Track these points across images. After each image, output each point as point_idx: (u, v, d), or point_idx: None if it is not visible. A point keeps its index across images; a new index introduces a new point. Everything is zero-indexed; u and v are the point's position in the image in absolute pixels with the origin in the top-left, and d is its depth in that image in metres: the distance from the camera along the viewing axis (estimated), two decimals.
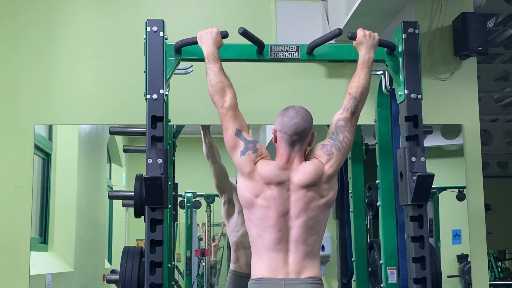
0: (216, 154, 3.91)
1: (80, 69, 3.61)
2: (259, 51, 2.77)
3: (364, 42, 2.61)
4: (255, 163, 2.43)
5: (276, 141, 2.51)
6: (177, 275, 3.99)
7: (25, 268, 3.36)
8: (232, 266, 3.95)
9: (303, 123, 2.45)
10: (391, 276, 2.99)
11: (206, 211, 4.35)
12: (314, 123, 2.52)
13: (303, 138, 2.46)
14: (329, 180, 2.45)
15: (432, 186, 2.56)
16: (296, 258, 2.38)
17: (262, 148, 2.48)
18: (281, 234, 2.39)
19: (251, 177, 2.42)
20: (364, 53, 2.60)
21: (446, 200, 4.05)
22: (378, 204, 3.08)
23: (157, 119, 2.57)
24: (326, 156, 2.46)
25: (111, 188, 4.36)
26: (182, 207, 4.19)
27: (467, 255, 3.70)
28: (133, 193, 2.65)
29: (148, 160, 2.52)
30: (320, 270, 2.47)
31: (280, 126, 2.48)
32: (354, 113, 2.52)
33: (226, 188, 3.96)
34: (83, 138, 4.00)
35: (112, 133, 3.40)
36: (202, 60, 2.60)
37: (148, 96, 2.59)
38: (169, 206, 2.85)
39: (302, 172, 2.43)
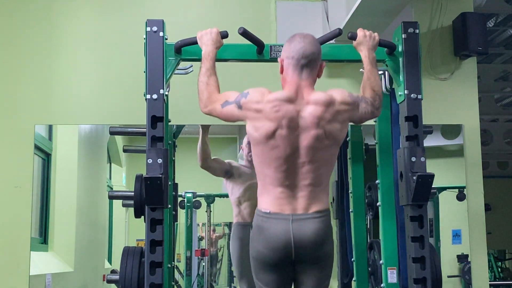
0: (209, 152, 3.94)
1: (80, 69, 3.61)
2: (259, 51, 2.77)
3: (365, 43, 2.61)
4: (259, 102, 2.36)
5: (282, 71, 2.45)
6: (177, 275, 3.99)
7: (25, 268, 3.36)
8: (234, 220, 3.99)
9: (311, 46, 2.39)
10: (391, 276, 2.99)
11: (206, 211, 4.35)
12: None
13: (312, 62, 2.39)
14: (340, 121, 2.39)
15: (432, 186, 2.56)
16: (303, 194, 2.35)
17: (254, 89, 2.42)
18: (290, 171, 2.35)
19: (259, 116, 2.35)
20: (366, 53, 2.59)
21: (446, 200, 4.05)
22: (378, 204, 3.08)
23: (157, 119, 2.57)
24: (349, 97, 2.42)
25: (111, 188, 4.36)
26: (182, 207, 4.19)
27: (467, 255, 3.70)
28: (133, 193, 2.65)
29: (148, 160, 2.52)
30: (328, 202, 2.42)
31: (287, 53, 2.42)
32: (377, 109, 2.52)
33: (225, 167, 4.02)
34: (83, 138, 4.00)
35: (112, 133, 3.40)
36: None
37: (148, 96, 2.59)
38: (169, 206, 2.85)
39: (313, 103, 2.35)
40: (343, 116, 2.40)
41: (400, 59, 2.73)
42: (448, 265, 4.09)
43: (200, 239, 4.41)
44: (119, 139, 4.25)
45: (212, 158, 3.96)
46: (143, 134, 2.60)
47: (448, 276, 4.03)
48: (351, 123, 2.51)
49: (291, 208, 2.35)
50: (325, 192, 2.42)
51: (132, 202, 2.66)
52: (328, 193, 2.44)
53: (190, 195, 4.22)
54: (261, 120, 2.35)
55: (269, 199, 2.37)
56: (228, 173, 4.01)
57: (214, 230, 4.46)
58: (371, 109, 2.49)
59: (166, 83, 2.64)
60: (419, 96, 2.67)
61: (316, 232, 2.33)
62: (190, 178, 4.12)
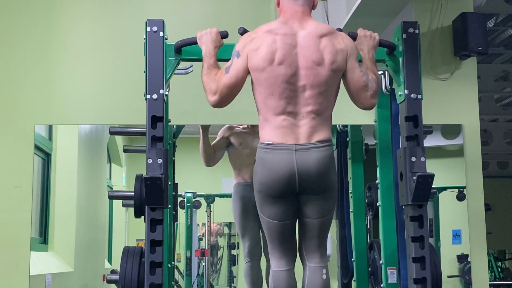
0: (212, 152, 3.94)
1: (80, 69, 3.61)
2: None
3: (365, 42, 2.61)
4: (250, 35, 2.40)
5: (278, 4, 2.48)
6: (177, 275, 3.99)
7: (25, 268, 3.36)
8: (235, 181, 3.98)
9: None
10: (391, 276, 2.99)
11: (206, 211, 4.35)
12: None
13: None
14: (338, 50, 2.39)
15: (432, 186, 2.56)
16: (305, 122, 2.36)
17: (243, 37, 2.44)
18: (290, 98, 2.36)
19: (255, 42, 2.37)
20: (366, 54, 2.60)
21: (446, 200, 4.05)
22: (378, 204, 3.08)
23: (157, 119, 2.57)
24: (351, 43, 2.44)
25: (111, 188, 4.36)
26: (182, 207, 4.19)
27: (467, 255, 3.70)
28: (133, 193, 2.65)
29: (148, 160, 2.52)
30: (331, 134, 2.43)
31: None
32: (372, 95, 2.48)
33: (224, 145, 4.01)
34: (83, 138, 4.00)
35: (112, 133, 3.40)
36: (202, 60, 2.60)
37: (148, 96, 2.59)
38: (169, 206, 2.85)
39: (312, 25, 2.39)
40: (341, 44, 2.41)
41: (400, 59, 2.73)
42: (448, 265, 4.09)
43: (200, 239, 4.41)
44: (119, 139, 4.25)
45: (213, 145, 3.95)
46: (143, 134, 2.60)
47: (448, 276, 4.04)
48: (343, 80, 2.46)
49: (293, 138, 2.36)
50: (328, 123, 2.42)
51: (132, 202, 2.66)
52: (331, 125, 2.45)
53: (190, 195, 4.23)
54: (259, 45, 2.37)
55: (271, 130, 2.38)
56: (228, 144, 4.00)
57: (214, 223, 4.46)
58: (366, 81, 2.44)
59: (166, 83, 2.64)
60: (419, 96, 2.67)
61: (320, 161, 2.34)
62: (190, 178, 4.12)
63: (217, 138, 3.99)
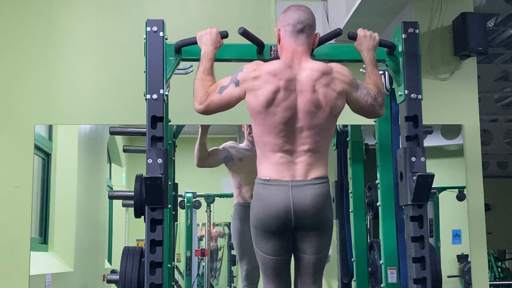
0: (206, 154, 3.94)
1: (80, 69, 3.61)
2: (259, 51, 2.77)
3: (365, 43, 2.61)
4: (255, 70, 2.40)
5: (279, 41, 2.50)
6: (177, 275, 3.99)
7: (25, 268, 3.36)
8: (235, 201, 3.98)
9: (305, 14, 2.46)
10: (391, 276, 2.99)
11: (206, 211, 4.35)
12: None
13: (308, 28, 2.45)
14: (336, 87, 2.41)
15: (432, 186, 2.56)
16: (302, 159, 2.38)
17: (247, 66, 2.44)
18: (288, 137, 2.37)
19: (257, 83, 2.38)
20: (367, 54, 2.60)
21: (446, 200, 4.05)
22: (378, 204, 3.08)
23: (157, 119, 2.57)
24: (349, 73, 2.45)
25: (111, 188, 4.36)
26: (182, 207, 4.19)
27: (467, 255, 3.70)
28: (133, 193, 2.65)
29: (148, 160, 2.52)
30: (327, 170, 2.45)
31: (283, 21, 2.48)
32: (380, 107, 2.52)
33: (222, 156, 4.00)
34: (83, 138, 4.00)
35: (112, 133, 3.40)
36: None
37: (148, 96, 2.59)
38: (169, 206, 2.85)
39: (309, 69, 2.40)
40: (339, 86, 2.42)
41: (400, 59, 2.73)
42: (448, 265, 4.09)
43: (200, 239, 4.41)
44: (119, 139, 4.25)
45: (209, 151, 3.96)
46: (143, 134, 2.60)
47: (448, 276, 4.03)
48: (349, 106, 2.48)
49: (290, 174, 2.37)
50: (324, 160, 2.44)
51: (132, 202, 2.66)
52: (327, 162, 2.46)
53: (190, 195, 4.22)
54: (260, 86, 2.38)
55: (268, 166, 2.40)
56: (227, 158, 4.00)
57: (214, 225, 4.45)
58: (371, 101, 2.49)
59: (166, 83, 2.64)
60: (419, 96, 2.67)
61: (315, 198, 2.35)
62: (190, 178, 4.12)
63: (218, 147, 4.01)
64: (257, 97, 2.38)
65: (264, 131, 2.40)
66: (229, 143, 4.04)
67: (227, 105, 2.46)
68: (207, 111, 2.48)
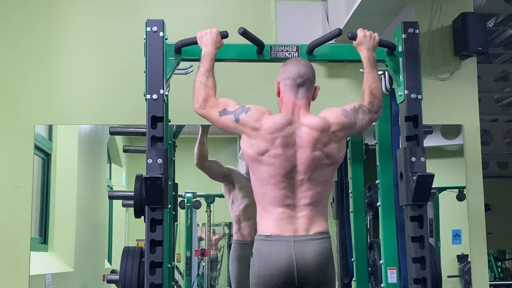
0: (206, 153, 3.92)
1: (80, 69, 3.61)
2: (259, 51, 2.77)
3: (365, 43, 2.61)
4: (257, 120, 2.38)
5: (279, 94, 2.48)
6: (177, 275, 3.99)
7: (25, 268, 3.36)
8: (234, 237, 3.97)
9: (305, 68, 2.45)
10: (391, 276, 2.99)
11: (206, 211, 4.35)
12: None
13: (307, 82, 2.44)
14: (337, 140, 2.42)
15: (432, 186, 2.55)
16: (303, 214, 2.35)
17: (254, 107, 2.42)
18: (288, 190, 2.35)
19: (255, 136, 2.37)
20: (366, 54, 2.59)
21: (446, 200, 4.05)
22: (378, 204, 3.08)
23: (157, 119, 2.57)
24: (344, 117, 2.44)
25: (111, 188, 4.36)
26: (182, 207, 4.19)
27: (467, 255, 3.70)
28: (133, 193, 2.65)
29: (148, 160, 2.52)
30: (327, 224, 2.42)
31: (283, 75, 2.47)
32: (377, 112, 2.53)
33: (224, 171, 3.98)
34: (83, 138, 4.00)
35: (112, 133, 3.40)
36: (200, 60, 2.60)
37: (148, 96, 2.59)
38: (169, 206, 2.85)
39: (308, 125, 2.39)
40: (339, 136, 2.43)
41: (400, 59, 2.73)
42: (448, 265, 4.09)
43: (200, 239, 4.41)
44: (119, 139, 4.25)
45: (211, 160, 3.94)
46: (143, 134, 2.60)
47: (448, 276, 4.03)
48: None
49: (292, 229, 2.34)
50: (324, 213, 2.42)
51: (132, 202, 2.66)
52: (327, 213, 2.45)
53: (190, 195, 4.22)
54: (256, 139, 2.38)
55: (269, 221, 2.36)
56: (227, 179, 3.97)
57: (214, 232, 4.45)
58: (370, 117, 2.50)
59: (166, 83, 2.64)
60: (419, 96, 2.67)
61: (319, 253, 2.32)
62: (190, 178, 4.12)
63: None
64: (251, 147, 2.39)
65: (262, 180, 2.38)
66: (232, 167, 4.02)
67: (221, 128, 2.47)
68: (203, 116, 2.50)
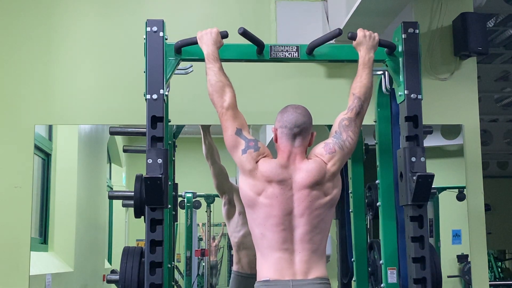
0: (216, 155, 3.91)
1: (80, 69, 3.61)
2: (259, 51, 2.77)
3: (364, 43, 2.61)
4: (257, 162, 2.41)
5: (276, 140, 2.50)
6: (177, 275, 3.99)
7: (25, 268, 3.36)
8: (234, 267, 3.94)
9: (302, 117, 2.47)
10: (391, 276, 2.99)
11: (206, 211, 4.35)
12: (314, 123, 2.53)
13: (304, 131, 2.46)
14: (333, 178, 2.44)
15: (432, 186, 2.55)
16: (302, 257, 2.36)
17: (263, 147, 2.47)
18: (286, 233, 2.36)
19: (253, 176, 2.40)
20: (364, 54, 2.59)
21: (446, 200, 4.05)
22: (378, 204, 3.08)
23: (157, 119, 2.57)
24: (328, 154, 2.45)
25: (111, 188, 4.36)
26: (182, 207, 4.19)
27: (467, 255, 3.70)
28: (133, 193, 2.65)
29: (148, 160, 2.52)
30: (326, 269, 2.43)
31: (280, 122, 2.49)
32: (359, 113, 2.52)
33: (226, 189, 3.96)
34: (83, 138, 4.00)
35: (112, 133, 3.40)
36: (202, 60, 2.60)
37: (148, 96, 2.59)
38: (169, 206, 2.85)
39: (304, 170, 2.41)
40: (334, 172, 2.45)
41: (400, 59, 2.73)
42: (448, 265, 4.08)
43: (200, 239, 4.41)
44: (119, 139, 4.25)
45: (222, 166, 3.90)
46: (143, 134, 2.60)
47: (448, 276, 4.03)
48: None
49: (290, 273, 2.35)
50: (323, 258, 2.43)
51: (132, 202, 2.66)
52: (325, 262, 2.46)
53: (190, 195, 4.22)
54: (255, 179, 2.39)
55: (267, 266, 2.37)
56: (227, 197, 3.93)
57: (213, 238, 4.44)
58: (353, 126, 2.49)
59: (166, 83, 2.64)
60: (419, 96, 2.67)
61: None
62: (190, 178, 4.12)
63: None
64: (250, 189, 2.40)
65: (260, 223, 2.39)
66: (236, 186, 3.93)
67: (226, 143, 2.48)
68: (216, 109, 2.51)
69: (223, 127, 2.48)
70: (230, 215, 3.95)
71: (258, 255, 2.43)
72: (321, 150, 2.47)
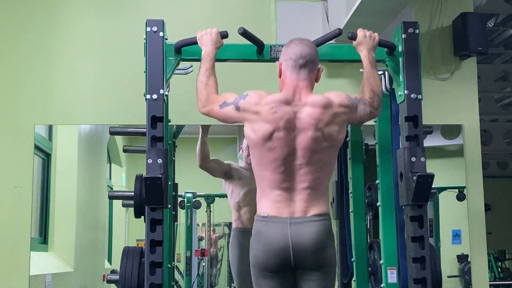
0: (208, 153, 3.92)
1: (80, 69, 3.62)
2: (259, 51, 2.77)
3: (364, 43, 2.61)
4: (257, 104, 2.36)
5: (280, 75, 2.45)
6: (177, 275, 3.99)
7: (25, 268, 3.36)
8: (234, 224, 3.94)
9: (308, 48, 2.42)
10: (391, 276, 2.99)
11: (206, 211, 4.35)
12: None
13: (310, 63, 2.40)
14: (338, 120, 2.39)
15: (432, 186, 2.55)
16: (302, 197, 2.34)
17: (253, 91, 2.42)
18: (287, 173, 2.34)
19: (257, 118, 2.35)
20: (366, 54, 2.59)
21: (446, 200, 4.05)
22: (378, 204, 3.08)
23: (157, 119, 2.57)
24: (346, 99, 2.41)
25: (111, 188, 4.36)
26: (182, 207, 4.19)
27: (467, 255, 3.70)
28: (133, 193, 2.65)
29: (148, 160, 2.52)
30: (328, 207, 2.40)
31: (285, 55, 2.43)
32: (376, 109, 2.52)
33: (225, 168, 3.98)
34: (83, 138, 4.00)
35: (112, 133, 3.40)
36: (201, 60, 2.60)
37: (148, 96, 2.59)
38: (169, 206, 2.85)
39: (310, 105, 2.36)
40: (341, 118, 2.40)
41: (400, 59, 2.73)
42: (448, 265, 4.09)
43: (200, 239, 4.41)
44: (119, 139, 4.25)
45: (212, 159, 3.95)
46: (143, 134, 2.60)
47: (448, 276, 4.03)
48: (350, 124, 2.51)
49: (289, 211, 2.33)
50: (325, 196, 2.40)
51: (132, 202, 2.66)
52: (328, 197, 2.43)
53: (190, 195, 4.22)
54: (259, 122, 2.35)
55: (267, 203, 2.37)
56: (228, 174, 3.98)
57: (214, 231, 4.45)
58: (370, 110, 2.49)
59: (166, 83, 2.64)
60: (419, 96, 2.67)
61: (315, 235, 2.30)
62: (190, 178, 4.12)
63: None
64: (254, 132, 2.36)
65: (262, 165, 2.38)
66: (230, 162, 4.01)
67: (224, 121, 2.46)
68: (207, 115, 2.49)
69: (212, 115, 2.47)
70: (229, 181, 3.97)
71: (259, 191, 2.42)
72: (341, 93, 2.43)
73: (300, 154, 2.34)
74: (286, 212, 2.33)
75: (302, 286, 2.34)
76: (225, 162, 4.02)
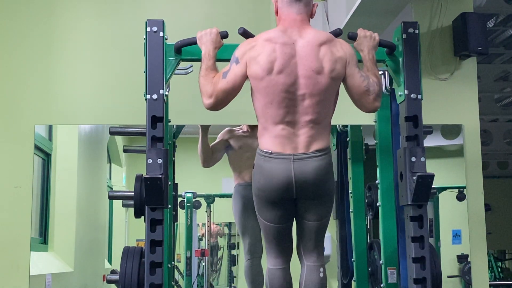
0: (209, 153, 3.92)
1: (80, 69, 3.61)
2: None
3: (365, 43, 2.61)
4: (249, 44, 2.41)
5: (277, 12, 2.50)
6: (177, 275, 3.99)
7: (25, 268, 3.36)
8: (235, 181, 3.93)
9: None
10: (391, 276, 2.99)
11: (206, 211, 4.35)
12: None
13: None
14: (335, 57, 2.40)
15: (432, 186, 2.56)
16: (304, 131, 2.38)
17: (242, 43, 2.46)
18: (290, 105, 2.37)
19: (255, 53, 2.39)
20: (367, 54, 2.59)
21: (446, 200, 4.05)
22: (378, 204, 3.08)
23: (157, 119, 2.57)
24: (350, 50, 2.45)
25: (111, 188, 4.36)
26: (182, 207, 4.19)
27: (467, 255, 3.70)
28: (133, 193, 2.65)
29: (148, 160, 2.52)
30: (330, 141, 2.47)
31: None
32: (375, 99, 2.50)
33: (223, 147, 3.98)
34: (83, 138, 4.00)
35: (112, 133, 3.40)
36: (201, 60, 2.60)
37: (148, 96, 2.59)
38: (169, 206, 2.85)
39: (309, 35, 2.41)
40: (340, 51, 2.43)
41: (400, 59, 2.73)
42: (448, 265, 4.09)
43: (200, 239, 4.42)
44: (119, 139, 4.26)
45: (212, 148, 3.94)
46: (143, 134, 2.60)
47: (448, 276, 4.04)
48: (344, 85, 2.48)
49: (292, 147, 2.38)
50: (326, 131, 2.45)
51: (132, 202, 2.66)
52: (329, 132, 2.48)
53: (190, 195, 4.23)
54: (259, 53, 2.38)
55: (270, 138, 2.40)
56: (228, 148, 3.99)
57: (214, 223, 4.45)
58: (367, 85, 2.45)
59: (166, 83, 2.64)
60: (419, 96, 2.67)
61: (317, 171, 2.37)
62: (190, 178, 4.12)
63: (217, 140, 3.98)
64: (258, 63, 2.38)
65: (265, 101, 2.39)
66: (226, 130, 3.99)
67: (233, 87, 2.43)
68: (216, 103, 2.46)
69: (221, 94, 2.45)
70: (229, 148, 3.97)
71: (260, 128, 2.45)
72: (350, 46, 2.47)
73: (302, 82, 2.37)
74: (289, 148, 2.38)
75: (303, 212, 2.45)
76: (220, 135, 3.98)
